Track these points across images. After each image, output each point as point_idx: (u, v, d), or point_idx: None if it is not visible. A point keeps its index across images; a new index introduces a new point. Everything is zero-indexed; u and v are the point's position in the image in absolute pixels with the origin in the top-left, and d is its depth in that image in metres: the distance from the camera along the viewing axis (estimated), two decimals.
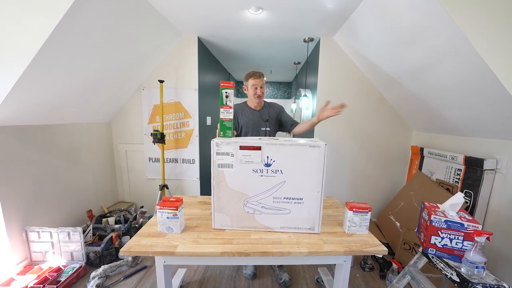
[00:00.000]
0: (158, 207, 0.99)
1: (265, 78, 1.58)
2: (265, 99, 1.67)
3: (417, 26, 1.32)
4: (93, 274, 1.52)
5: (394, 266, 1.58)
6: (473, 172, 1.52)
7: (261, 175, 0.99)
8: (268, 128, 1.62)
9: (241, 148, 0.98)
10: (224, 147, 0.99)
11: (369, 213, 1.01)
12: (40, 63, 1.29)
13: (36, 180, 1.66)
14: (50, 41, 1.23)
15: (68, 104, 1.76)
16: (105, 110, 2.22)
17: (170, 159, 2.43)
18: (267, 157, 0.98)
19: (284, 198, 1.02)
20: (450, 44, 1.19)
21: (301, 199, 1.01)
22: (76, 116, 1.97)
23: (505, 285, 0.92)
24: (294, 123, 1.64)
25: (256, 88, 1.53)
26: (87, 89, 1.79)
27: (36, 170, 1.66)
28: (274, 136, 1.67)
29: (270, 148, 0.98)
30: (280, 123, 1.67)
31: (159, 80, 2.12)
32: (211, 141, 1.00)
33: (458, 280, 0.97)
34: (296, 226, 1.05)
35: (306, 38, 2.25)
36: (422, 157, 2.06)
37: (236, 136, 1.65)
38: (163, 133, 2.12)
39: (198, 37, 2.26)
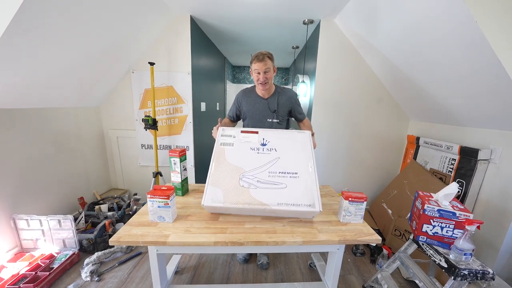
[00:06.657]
0: (149, 195, 0.96)
1: (273, 61, 1.38)
2: (275, 84, 1.47)
3: (429, 10, 1.23)
4: (87, 260, 1.52)
5: (385, 251, 1.64)
6: (467, 162, 1.53)
7: (258, 152, 1.13)
8: (275, 120, 1.42)
9: (242, 132, 1.21)
10: (228, 131, 1.21)
11: (365, 202, 1.01)
12: (12, 39, 1.16)
13: (23, 166, 1.59)
14: (23, 11, 1.09)
15: (51, 86, 1.64)
16: (93, 94, 2.10)
17: (163, 145, 2.37)
18: (263, 138, 1.17)
19: (280, 172, 1.05)
20: (457, 29, 1.13)
21: (296, 173, 1.05)
22: (62, 99, 1.85)
23: (489, 270, 0.95)
24: (302, 117, 1.50)
25: (258, 73, 1.32)
26: (72, 69, 1.67)
27: (22, 155, 1.59)
28: (284, 128, 1.50)
29: (266, 132, 1.21)
30: (290, 113, 1.49)
31: (149, 63, 2.00)
32: (219, 129, 1.21)
33: (446, 266, 0.99)
34: (294, 202, 0.97)
35: (306, 20, 2.13)
36: (418, 147, 2.07)
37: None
38: (155, 119, 2.04)
39: (190, 16, 2.11)
